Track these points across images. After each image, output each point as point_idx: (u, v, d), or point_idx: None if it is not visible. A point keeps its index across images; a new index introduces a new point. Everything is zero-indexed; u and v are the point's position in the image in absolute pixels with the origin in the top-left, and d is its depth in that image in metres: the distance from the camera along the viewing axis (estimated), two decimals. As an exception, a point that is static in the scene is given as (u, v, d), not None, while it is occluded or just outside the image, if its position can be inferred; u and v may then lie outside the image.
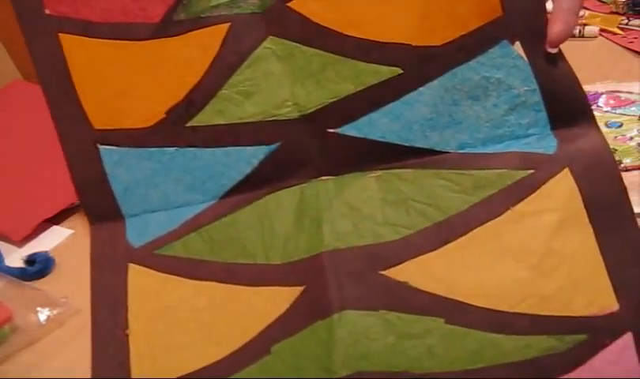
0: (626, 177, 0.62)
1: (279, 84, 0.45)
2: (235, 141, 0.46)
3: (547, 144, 0.43)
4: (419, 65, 0.44)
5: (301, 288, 0.44)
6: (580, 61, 0.86)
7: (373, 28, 0.43)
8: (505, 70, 0.43)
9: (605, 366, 0.40)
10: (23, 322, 0.55)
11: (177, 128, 0.46)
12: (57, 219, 0.68)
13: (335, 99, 0.44)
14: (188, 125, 0.46)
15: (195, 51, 0.45)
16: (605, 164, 0.42)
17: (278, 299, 0.44)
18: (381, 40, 0.43)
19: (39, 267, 0.61)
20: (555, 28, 0.41)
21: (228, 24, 0.44)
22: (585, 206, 0.42)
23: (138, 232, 0.47)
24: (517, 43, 0.43)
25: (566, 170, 0.43)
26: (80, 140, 0.46)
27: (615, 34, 0.91)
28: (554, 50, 0.42)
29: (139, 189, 0.47)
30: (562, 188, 0.43)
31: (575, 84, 0.42)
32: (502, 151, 0.44)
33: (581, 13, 0.98)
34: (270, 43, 0.44)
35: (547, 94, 0.43)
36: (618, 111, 0.72)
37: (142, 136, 0.46)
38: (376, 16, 0.43)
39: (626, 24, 0.93)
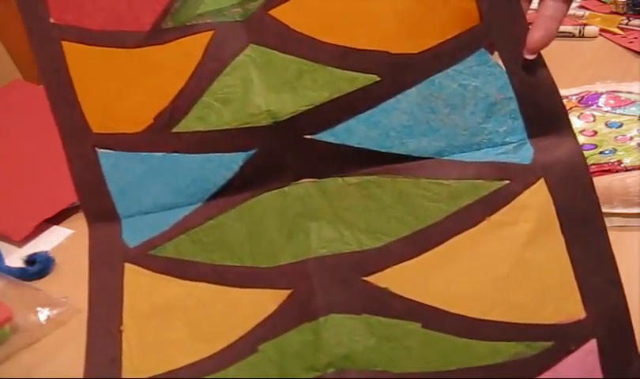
0: (626, 177, 0.63)
1: (254, 92, 0.45)
2: (215, 148, 0.47)
3: (523, 153, 0.44)
4: (396, 73, 0.44)
5: (288, 291, 0.46)
6: (580, 61, 0.87)
7: (350, 35, 0.44)
8: (482, 78, 0.43)
9: (570, 371, 0.42)
10: (23, 322, 0.55)
11: (163, 134, 0.47)
12: (57, 219, 0.68)
13: (310, 106, 0.45)
14: (173, 131, 0.47)
15: (180, 59, 0.46)
16: (580, 175, 0.43)
17: (266, 301, 0.46)
18: (358, 47, 0.44)
19: (39, 267, 0.61)
20: (534, 35, 0.41)
21: (212, 32, 0.45)
22: (558, 217, 0.43)
23: (133, 233, 0.49)
24: (496, 53, 0.43)
25: (541, 180, 0.43)
26: (80, 144, 0.48)
27: (615, 34, 0.91)
28: (531, 57, 0.42)
29: (132, 192, 0.48)
30: (537, 199, 0.43)
31: (553, 92, 0.43)
32: (479, 159, 0.44)
33: (582, 12, 0.98)
34: (250, 51, 0.45)
35: (524, 102, 0.43)
36: (618, 111, 0.72)
37: (134, 140, 0.47)
38: (353, 23, 0.43)
39: (626, 24, 0.93)
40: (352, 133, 0.45)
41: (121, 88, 0.47)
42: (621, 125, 0.70)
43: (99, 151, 0.48)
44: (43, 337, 0.55)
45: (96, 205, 0.49)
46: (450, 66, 0.43)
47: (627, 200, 0.60)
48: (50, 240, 0.66)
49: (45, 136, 0.74)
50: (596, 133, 0.69)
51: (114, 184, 0.48)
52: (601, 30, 0.92)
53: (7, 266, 0.62)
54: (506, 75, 0.43)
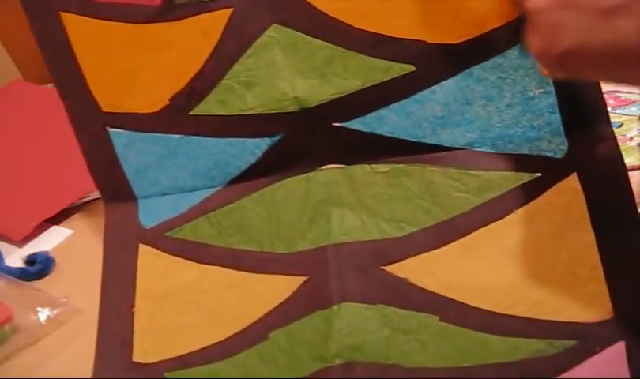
0: (626, 177, 0.63)
1: (280, 77, 0.43)
2: (238, 132, 0.45)
3: (557, 147, 0.43)
4: (433, 63, 0.42)
5: (304, 278, 0.45)
6: (580, 61, 0.86)
7: (386, 22, 0.42)
8: (522, 71, 0.42)
9: (592, 373, 0.40)
10: (23, 322, 0.55)
11: (181, 116, 0.46)
12: (57, 219, 0.68)
13: (340, 95, 0.43)
14: (191, 113, 0.45)
15: (196, 37, 0.44)
16: (615, 171, 0.42)
17: (280, 287, 0.45)
18: (394, 35, 0.42)
19: (39, 267, 0.61)
20: None
21: (231, 9, 0.43)
22: (590, 212, 0.42)
23: (150, 213, 0.48)
24: None
25: (574, 174, 0.42)
26: (90, 123, 0.47)
27: (615, 34, 0.91)
28: None
29: (149, 173, 0.47)
30: (568, 193, 0.42)
31: (595, 87, 0.41)
32: (512, 151, 0.43)
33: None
34: (274, 32, 0.43)
35: (565, 97, 0.42)
36: (618, 111, 0.72)
37: (148, 121, 0.46)
38: (390, 9, 0.41)
39: (626, 24, 0.93)
40: (383, 122, 0.44)
41: (130, 65, 0.45)
42: (621, 125, 0.70)
43: (111, 130, 0.47)
44: (43, 337, 0.55)
45: (110, 185, 0.48)
46: (490, 58, 0.42)
47: (627, 200, 0.60)
48: (50, 240, 0.66)
49: (45, 136, 0.74)
50: (596, 133, 0.69)
51: (128, 164, 0.47)
52: (601, 30, 0.91)
53: (7, 266, 0.62)
54: None
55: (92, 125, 0.47)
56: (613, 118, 0.71)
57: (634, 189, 0.61)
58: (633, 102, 0.73)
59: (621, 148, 0.66)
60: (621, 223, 0.41)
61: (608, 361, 0.39)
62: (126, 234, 0.48)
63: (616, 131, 0.69)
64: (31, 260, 0.62)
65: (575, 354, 0.40)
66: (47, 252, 0.63)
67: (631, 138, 0.68)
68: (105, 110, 0.46)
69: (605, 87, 0.75)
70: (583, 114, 0.42)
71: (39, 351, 0.54)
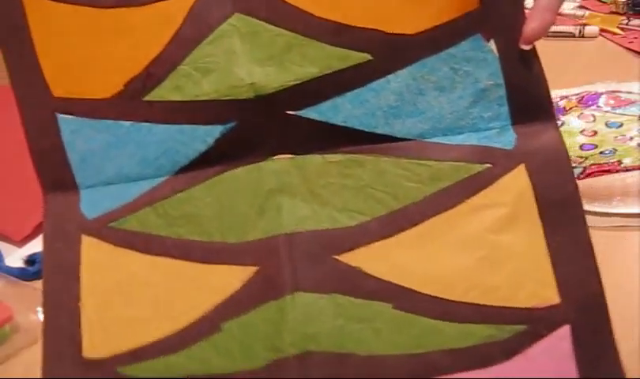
0: (626, 177, 0.63)
1: (237, 63, 0.44)
2: (190, 119, 0.45)
3: (506, 138, 0.44)
4: (389, 53, 0.43)
5: (255, 268, 0.44)
6: (580, 61, 0.87)
7: (345, 11, 0.43)
8: (474, 63, 0.43)
9: (541, 355, 0.42)
10: (23, 322, 0.55)
11: (134, 101, 0.45)
12: (57, 219, 0.68)
13: (297, 82, 0.44)
14: (145, 99, 0.45)
15: (158, 23, 0.44)
16: (560, 163, 0.43)
17: (231, 277, 0.45)
18: (352, 24, 0.43)
19: (39, 267, 0.61)
20: (530, 25, 0.42)
21: None
22: (537, 202, 0.43)
23: (92, 204, 0.46)
24: (492, 41, 0.43)
25: (522, 166, 0.44)
26: (39, 108, 0.46)
27: (615, 34, 0.91)
28: (527, 47, 0.42)
29: (94, 161, 0.46)
30: (516, 184, 0.44)
31: (542, 82, 0.43)
32: (462, 143, 0.44)
33: (582, 12, 0.98)
34: (235, 20, 0.43)
35: (513, 89, 0.43)
36: (618, 111, 0.72)
37: (99, 107, 0.45)
38: None
39: (626, 24, 0.93)
40: (338, 111, 0.45)
41: (88, 50, 0.45)
42: (621, 125, 0.70)
43: (60, 116, 0.46)
44: (43, 337, 0.55)
45: (52, 174, 0.46)
46: (444, 49, 0.43)
47: (627, 200, 0.60)
48: (50, 240, 0.66)
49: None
50: (596, 133, 0.70)
51: (74, 152, 0.46)
52: (601, 30, 0.92)
53: (7, 266, 0.62)
54: (498, 62, 0.43)
55: (41, 111, 0.46)
56: (613, 118, 0.71)
57: (634, 189, 0.61)
58: (633, 102, 0.73)
59: (621, 148, 0.66)
60: (566, 213, 0.43)
61: (554, 343, 0.42)
62: (67, 226, 0.46)
63: (616, 131, 0.70)
64: (31, 260, 0.62)
65: (525, 337, 0.42)
66: (47, 252, 0.63)
67: (631, 138, 0.68)
68: (57, 95, 0.45)
69: (605, 87, 0.76)
70: (530, 107, 0.44)
71: (39, 351, 0.54)
